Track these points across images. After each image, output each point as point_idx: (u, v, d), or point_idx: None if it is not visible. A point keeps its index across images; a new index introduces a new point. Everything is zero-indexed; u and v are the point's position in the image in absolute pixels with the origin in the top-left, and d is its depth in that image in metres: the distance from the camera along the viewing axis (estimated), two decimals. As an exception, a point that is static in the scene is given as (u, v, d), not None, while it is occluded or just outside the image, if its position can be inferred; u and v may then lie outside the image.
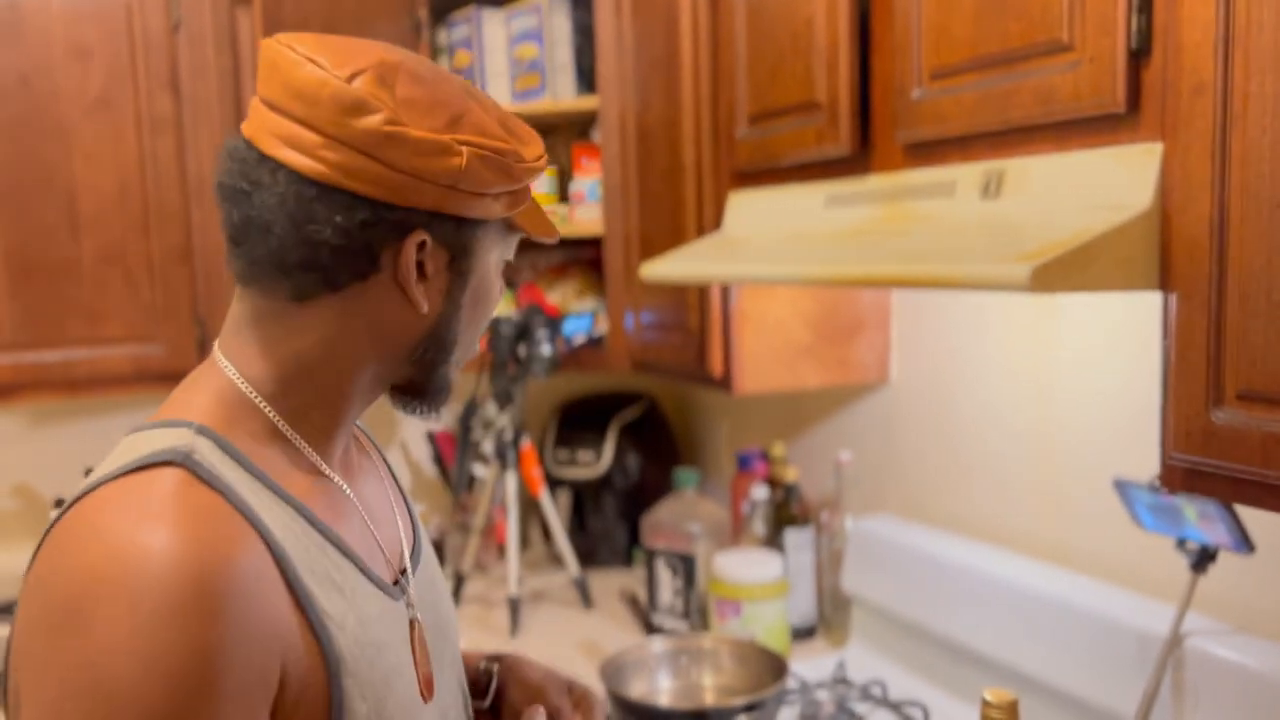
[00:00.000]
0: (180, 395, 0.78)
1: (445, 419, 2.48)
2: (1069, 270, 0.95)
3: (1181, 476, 0.96)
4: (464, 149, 0.73)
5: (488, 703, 0.99)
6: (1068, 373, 1.47)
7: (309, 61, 0.72)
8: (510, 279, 2.30)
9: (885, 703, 1.57)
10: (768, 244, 1.45)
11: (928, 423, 1.74)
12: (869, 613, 1.77)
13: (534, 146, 0.80)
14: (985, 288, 0.99)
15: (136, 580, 0.63)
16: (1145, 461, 1.36)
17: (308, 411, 0.79)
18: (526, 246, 2.33)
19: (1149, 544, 1.36)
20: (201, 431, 0.73)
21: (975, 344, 1.64)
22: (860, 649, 1.77)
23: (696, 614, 1.85)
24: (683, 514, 1.90)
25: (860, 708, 1.56)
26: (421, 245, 0.76)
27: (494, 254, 0.82)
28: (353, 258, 0.74)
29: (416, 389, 0.83)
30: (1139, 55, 0.97)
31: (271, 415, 0.77)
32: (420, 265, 0.76)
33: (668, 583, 1.86)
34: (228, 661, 0.65)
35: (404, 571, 0.86)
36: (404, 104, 0.73)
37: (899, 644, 1.71)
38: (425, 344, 0.80)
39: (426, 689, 0.83)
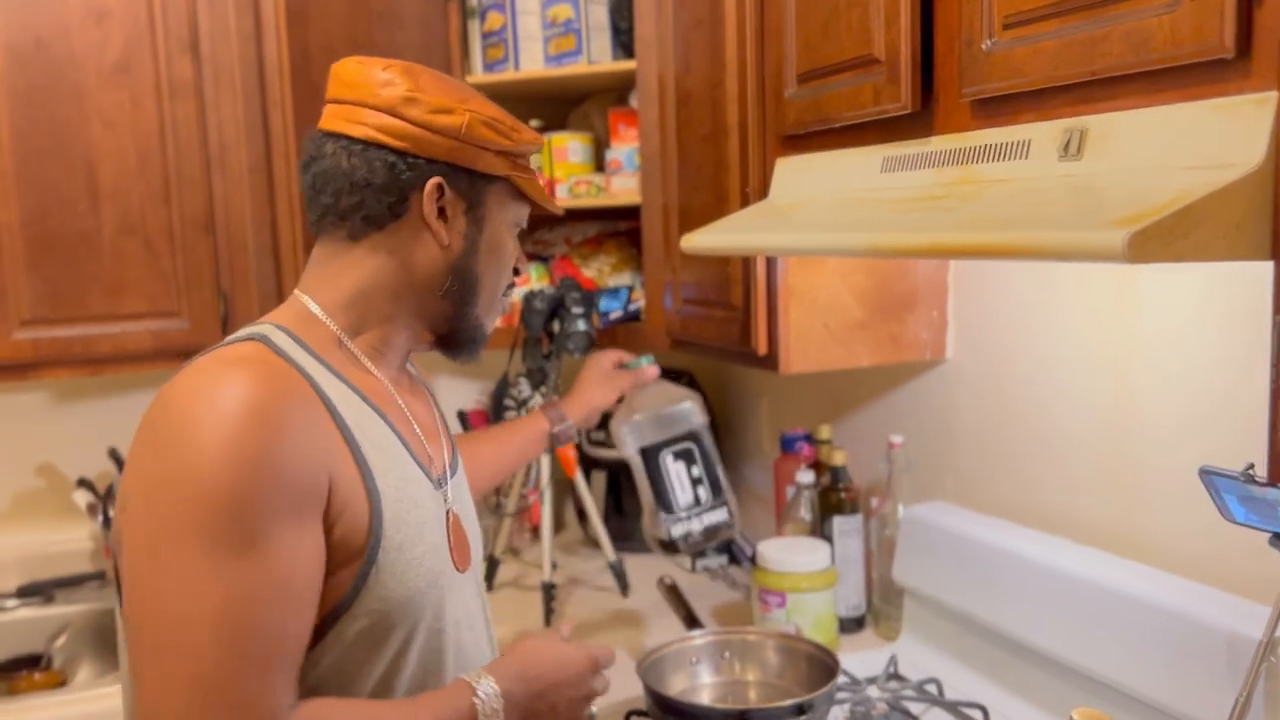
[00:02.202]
0: (262, 319, 1.01)
1: (477, 396, 2.40)
2: (1169, 237, 0.84)
3: (1295, 469, 0.85)
4: (466, 112, 1.00)
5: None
6: (1146, 351, 1.36)
7: (356, 63, 1.01)
8: (544, 254, 2.21)
9: (941, 702, 1.47)
10: (819, 212, 1.34)
11: (987, 404, 1.64)
12: (922, 605, 1.67)
13: (529, 132, 1.06)
14: (1074, 257, 0.88)
15: (220, 403, 0.85)
16: (1231, 447, 1.25)
17: (363, 329, 1.03)
18: (560, 220, 2.24)
19: (1236, 539, 1.24)
20: (278, 328, 0.97)
21: (1041, 320, 1.52)
22: (913, 643, 1.67)
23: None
24: (657, 399, 1.66)
25: (915, 707, 1.46)
26: (441, 192, 1.01)
27: (506, 213, 1.06)
28: (389, 198, 1.00)
29: (454, 331, 1.07)
30: (1252, -8, 0.86)
31: (334, 328, 1.01)
32: (442, 210, 1.01)
33: (681, 478, 1.62)
34: (285, 464, 0.86)
35: (442, 478, 1.08)
36: (422, 85, 1.00)
37: (954, 639, 1.61)
38: (450, 277, 1.03)
39: (461, 561, 1.06)
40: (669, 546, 1.58)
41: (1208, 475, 1.15)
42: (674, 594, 1.66)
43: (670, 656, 1.47)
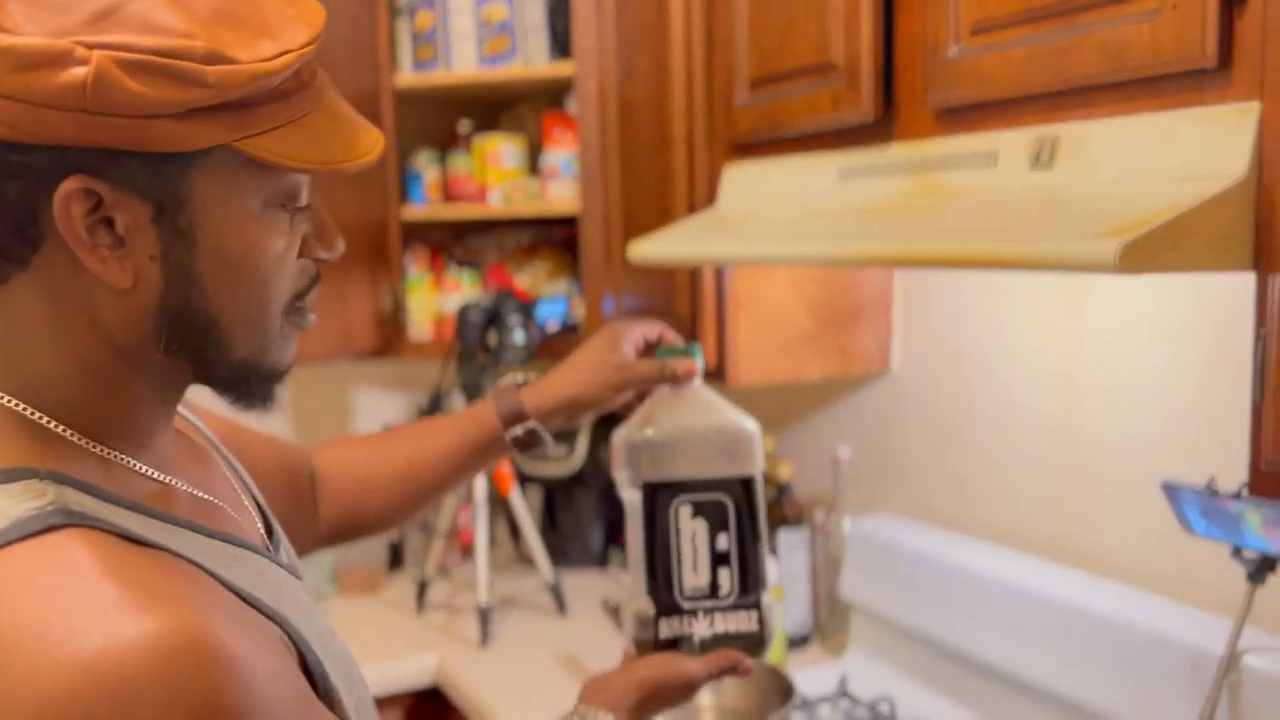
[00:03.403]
0: None
1: (405, 410, 2.31)
2: (1159, 248, 0.82)
3: (1277, 482, 0.84)
4: (94, 54, 0.54)
5: None
6: (1097, 363, 1.36)
7: None
8: (475, 261, 2.14)
9: (895, 720, 1.45)
10: (772, 221, 1.31)
11: (934, 416, 1.62)
12: (869, 620, 1.65)
13: (266, 43, 0.59)
14: (1061, 268, 0.86)
15: (136, 682, 0.50)
16: (1186, 459, 1.25)
17: (100, 420, 0.63)
18: (492, 227, 2.17)
19: (1196, 552, 1.25)
20: (46, 475, 0.58)
21: (989, 332, 1.52)
22: (860, 659, 1.65)
23: (768, 589, 1.04)
24: (692, 414, 1.03)
25: (868, 726, 1.44)
26: (91, 201, 0.57)
27: (241, 201, 0.62)
28: (7, 220, 0.57)
29: (222, 386, 0.67)
30: (1233, 1, 0.85)
31: (69, 435, 0.62)
32: (109, 223, 0.58)
33: (697, 547, 1.01)
34: (271, 688, 0.55)
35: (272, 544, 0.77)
36: (19, 3, 0.54)
37: (904, 655, 1.59)
38: (168, 327, 0.62)
39: None
40: (651, 642, 1.00)
41: (1169, 489, 1.15)
42: (618, 617, 1.60)
43: (622, 682, 1.40)
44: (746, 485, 1.01)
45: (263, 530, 0.77)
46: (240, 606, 0.59)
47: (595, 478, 2.17)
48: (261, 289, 0.64)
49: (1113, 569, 1.35)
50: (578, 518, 2.21)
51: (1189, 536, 1.16)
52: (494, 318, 1.80)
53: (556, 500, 2.21)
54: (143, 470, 0.65)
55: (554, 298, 1.94)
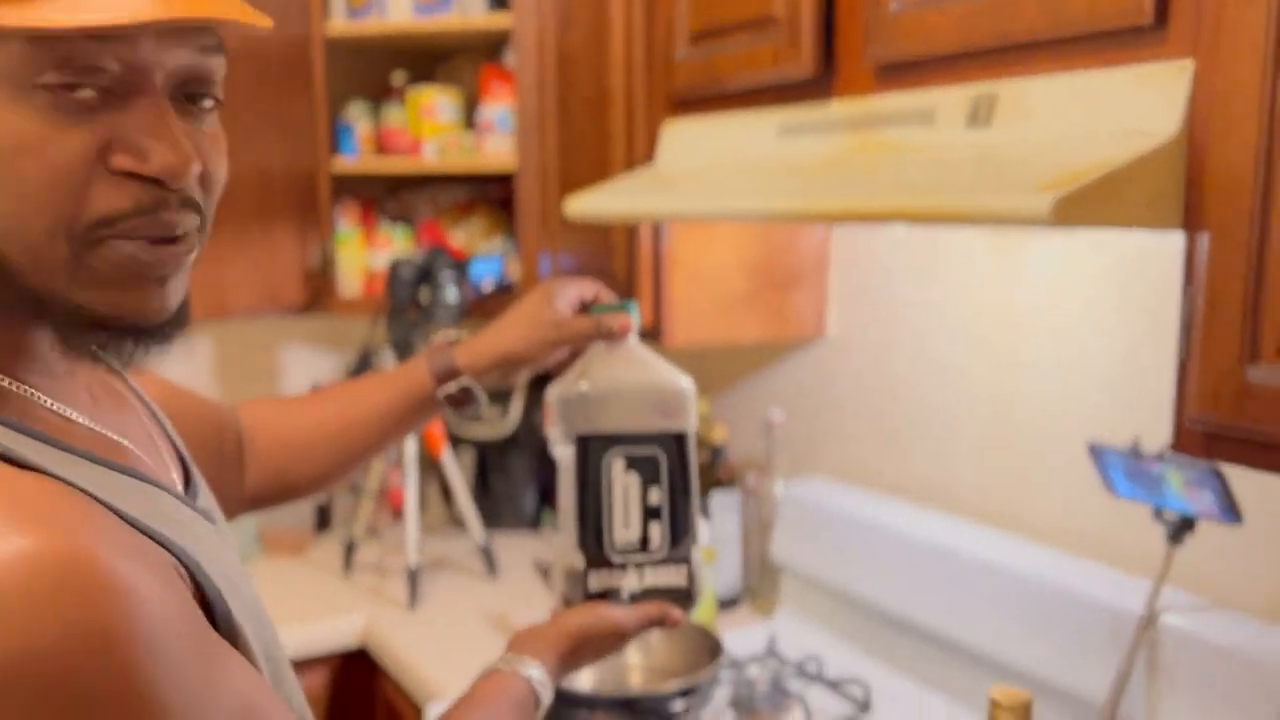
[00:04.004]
0: None
1: (334, 369, 2.26)
2: (1092, 203, 0.82)
3: (1202, 441, 0.85)
4: None
5: None
6: (1029, 327, 1.37)
7: None
8: (408, 217, 2.09)
9: (823, 680, 1.45)
10: (711, 178, 1.29)
11: (867, 379, 1.63)
12: (800, 582, 1.66)
13: None
14: (995, 222, 0.85)
15: (6, 598, 0.47)
16: (1114, 423, 1.26)
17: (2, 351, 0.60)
18: (427, 182, 2.12)
19: (1116, 515, 1.27)
20: None
21: (922, 295, 1.52)
22: (790, 621, 1.65)
23: (697, 544, 1.02)
24: (627, 369, 1.01)
25: (796, 685, 1.44)
26: None
27: None
28: None
29: (58, 325, 0.59)
30: (1172, -43, 0.85)
31: None
32: None
33: (628, 500, 0.99)
34: (157, 611, 0.51)
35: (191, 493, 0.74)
36: None
37: (833, 616, 1.60)
38: None
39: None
40: (580, 596, 0.98)
41: (1095, 450, 1.16)
42: (549, 575, 1.59)
43: (550, 641, 1.39)
44: (679, 441, 1.00)
45: (181, 481, 0.74)
46: (130, 533, 0.55)
47: (529, 440, 2.15)
48: (17, 194, 0.53)
49: (1040, 531, 1.37)
50: (511, 480, 2.18)
51: (1113, 498, 1.18)
52: (426, 275, 1.76)
53: (489, 462, 2.18)
54: (45, 402, 0.61)
55: (489, 256, 1.91)
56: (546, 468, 2.18)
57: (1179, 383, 0.87)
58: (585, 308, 1.04)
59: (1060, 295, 1.33)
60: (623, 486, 0.99)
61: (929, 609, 1.40)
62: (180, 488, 0.73)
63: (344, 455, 1.04)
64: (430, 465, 2.18)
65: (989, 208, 0.85)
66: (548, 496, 2.18)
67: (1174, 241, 1.19)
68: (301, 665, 1.71)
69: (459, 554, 2.04)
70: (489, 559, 1.91)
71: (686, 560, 1.00)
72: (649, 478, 0.99)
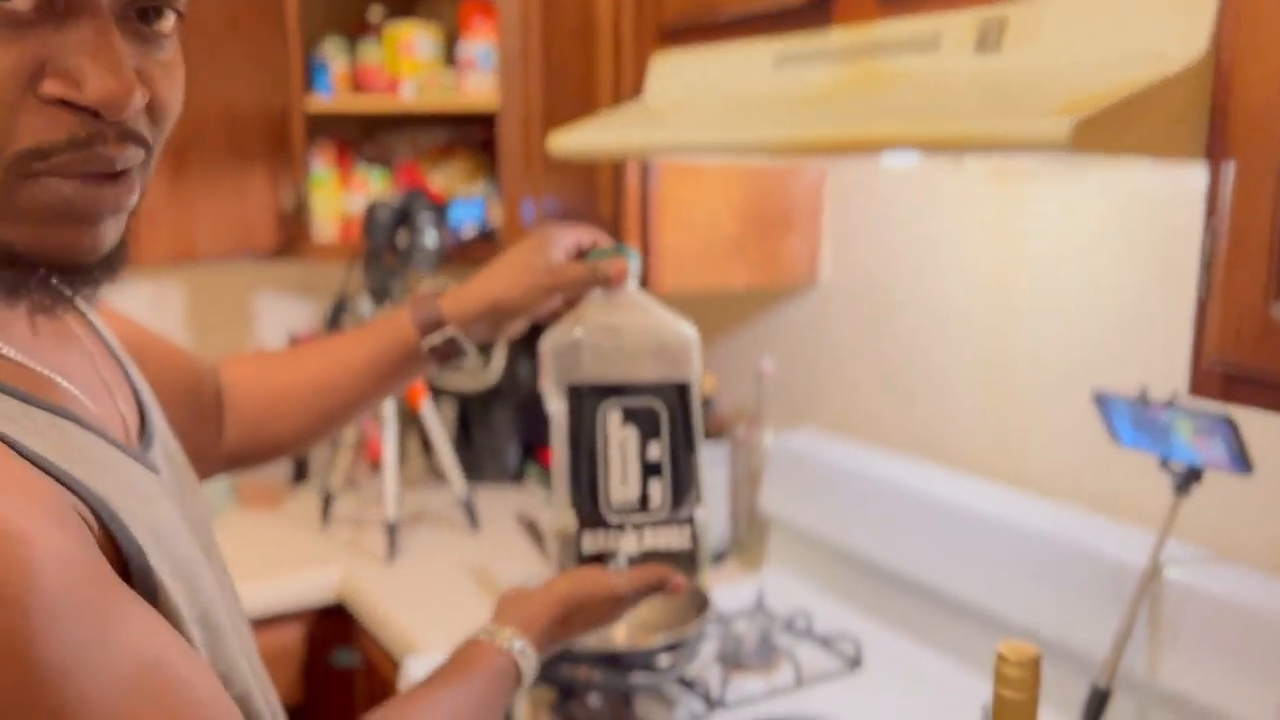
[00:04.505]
0: None
1: (310, 317, 2.20)
2: (1113, 127, 0.76)
3: (1220, 384, 0.81)
4: None
5: None
6: (1032, 274, 1.32)
7: None
8: (386, 159, 2.02)
9: (812, 635, 1.42)
10: (702, 111, 1.22)
11: (862, 328, 1.58)
12: (789, 536, 1.62)
13: None
14: (1007, 148, 0.80)
15: None
16: (1117, 373, 1.22)
17: None
18: (405, 123, 2.05)
19: (1120, 466, 1.22)
20: None
21: (920, 242, 1.47)
22: (779, 575, 1.62)
23: (701, 503, 0.94)
24: (624, 316, 0.94)
25: (785, 640, 1.41)
26: None
27: None
28: None
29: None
30: None
31: None
32: None
33: (626, 455, 0.91)
34: (46, 549, 0.45)
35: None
36: None
37: (823, 571, 1.56)
38: None
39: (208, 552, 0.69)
40: (574, 559, 0.91)
41: (1101, 398, 1.11)
42: (534, 530, 1.55)
43: (532, 595, 1.35)
44: (681, 391, 0.92)
45: (136, 428, 0.69)
46: (26, 470, 0.49)
47: (512, 392, 2.10)
48: None
49: (1040, 483, 1.33)
50: (493, 433, 2.13)
51: (1116, 450, 1.14)
52: (404, 218, 1.69)
53: (471, 415, 2.13)
54: None
55: (469, 199, 1.84)
56: (530, 420, 2.13)
57: (1197, 323, 0.82)
58: (581, 255, 0.97)
59: (1064, 240, 1.27)
60: (620, 441, 0.91)
61: (923, 563, 1.36)
62: (135, 435, 0.67)
63: (326, 412, 0.98)
64: (410, 417, 2.12)
65: (1002, 133, 0.79)
66: (532, 450, 2.13)
67: (1183, 182, 1.14)
68: (277, 620, 1.66)
69: (439, 507, 1.99)
70: (470, 512, 1.86)
71: (690, 521, 0.92)
72: (648, 431, 0.91)
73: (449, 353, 0.96)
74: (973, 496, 1.32)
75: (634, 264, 0.94)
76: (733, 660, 1.33)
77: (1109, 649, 1.07)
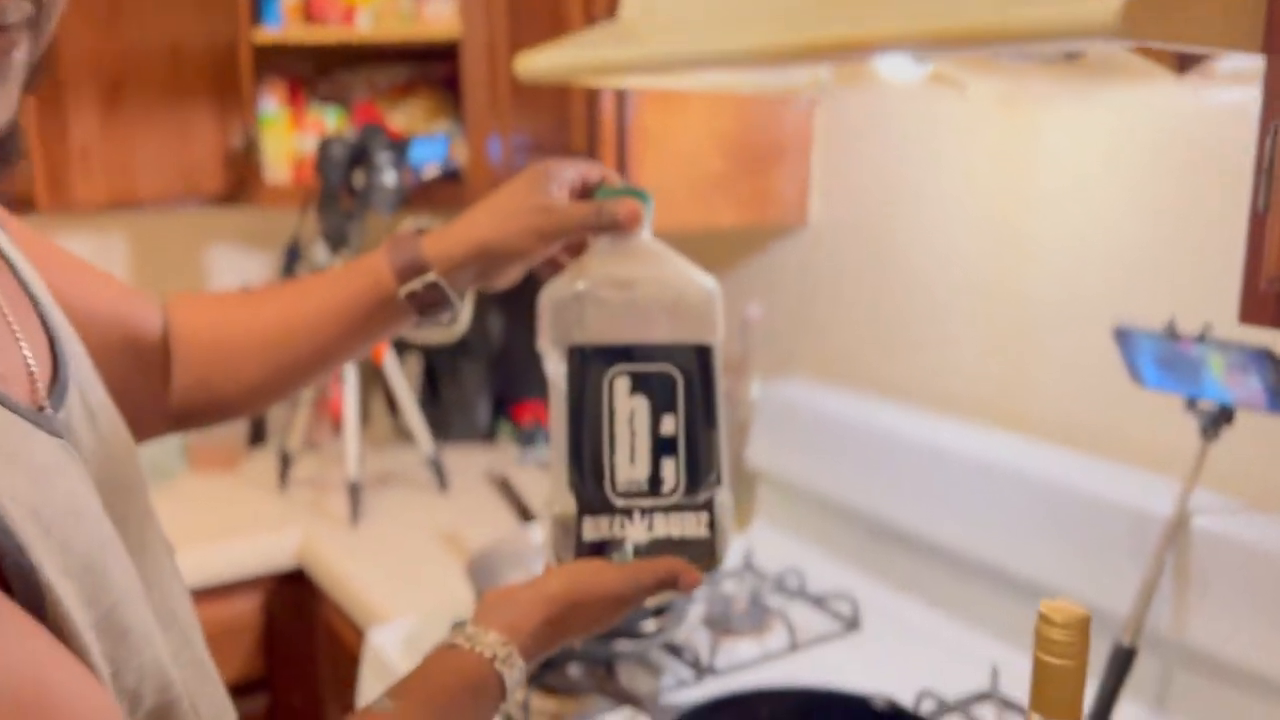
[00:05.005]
0: None
1: (264, 269, 2.07)
2: (1165, 8, 0.66)
3: (1277, 307, 0.71)
4: None
5: None
6: (1042, 209, 1.22)
7: None
8: (342, 98, 1.89)
9: (805, 594, 1.33)
10: (684, 24, 1.11)
11: (854, 270, 1.48)
12: (778, 491, 1.53)
13: None
14: (1044, 38, 0.69)
15: None
16: (1140, 310, 1.12)
17: None
18: (362, 60, 1.91)
19: (1137, 411, 1.13)
20: None
21: (920, 175, 1.36)
22: (768, 532, 1.53)
23: (725, 485, 0.81)
24: (635, 267, 0.80)
25: (776, 600, 1.32)
26: None
27: None
28: None
29: None
30: None
31: None
32: None
33: (637, 428, 0.78)
34: None
35: (43, 409, 0.56)
36: None
37: (815, 526, 1.47)
38: None
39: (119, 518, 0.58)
40: (573, 549, 0.77)
41: (1123, 334, 1.02)
42: (506, 488, 1.45)
43: (505, 557, 1.26)
44: (702, 356, 0.78)
45: (46, 382, 0.57)
46: None
47: (482, 346, 1.99)
48: None
49: (1050, 430, 1.24)
50: (463, 390, 2.03)
51: (1135, 393, 1.05)
52: (360, 155, 1.57)
53: (438, 370, 2.02)
54: None
55: (431, 136, 1.72)
56: (502, 375, 2.02)
57: (1252, 239, 0.72)
58: (586, 193, 0.84)
59: (1077, 168, 1.18)
60: (628, 413, 0.78)
61: (924, 517, 1.27)
62: (44, 390, 0.56)
63: (288, 365, 0.85)
64: (373, 374, 2.01)
65: (1037, 21, 0.69)
66: (504, 406, 2.03)
67: (1206, 99, 1.05)
68: (232, 588, 1.56)
69: (406, 467, 1.88)
70: (439, 471, 1.76)
71: (708, 506, 0.78)
72: (662, 403, 0.78)
73: (431, 302, 0.82)
74: (978, 444, 1.23)
75: (648, 207, 0.81)
76: (722, 624, 1.24)
77: (1132, 605, 0.99)
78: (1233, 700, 0.98)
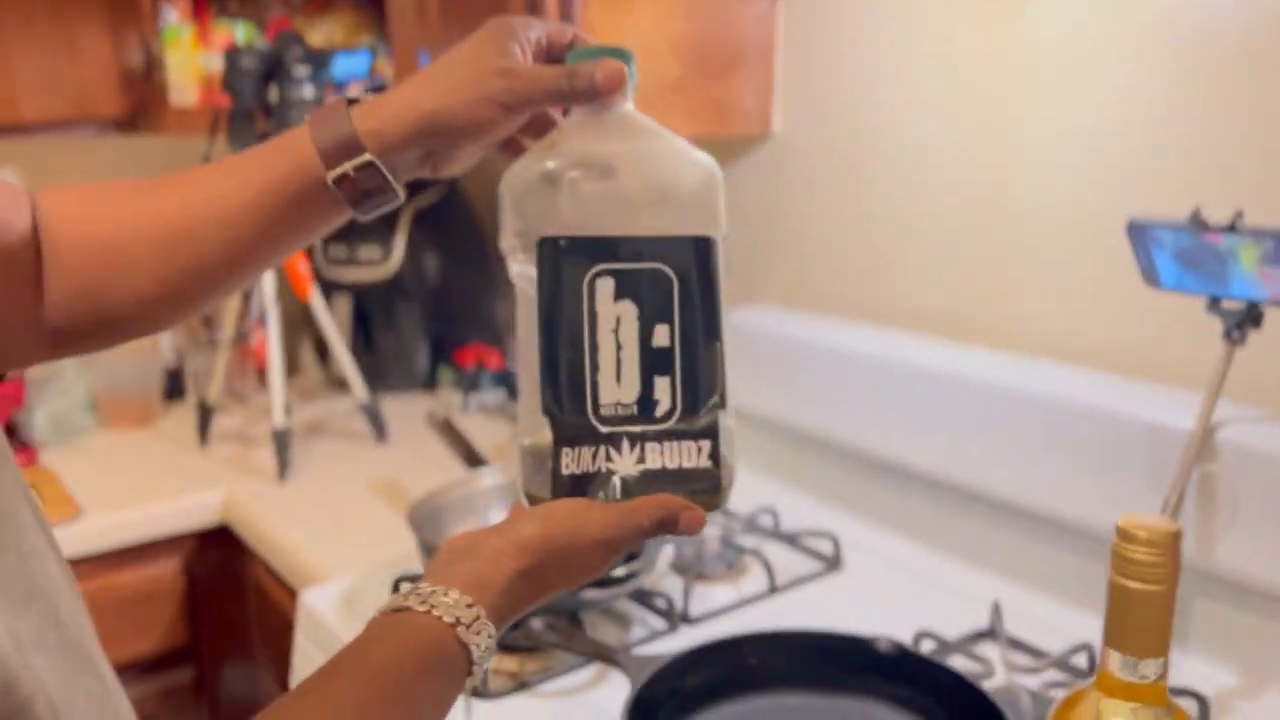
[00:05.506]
0: None
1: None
2: None
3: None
4: None
5: None
6: (1037, 95, 1.11)
7: None
8: (252, 15, 1.71)
9: (780, 534, 1.23)
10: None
11: (824, 184, 1.36)
12: (745, 425, 1.41)
13: None
14: None
15: None
16: (1149, 208, 1.03)
17: None
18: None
19: (1148, 317, 1.04)
20: None
21: (894, 74, 1.25)
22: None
23: (727, 409, 0.64)
24: (618, 142, 0.65)
25: (750, 541, 1.21)
26: None
27: None
28: None
29: None
30: None
31: None
32: None
33: (624, 338, 0.63)
34: None
35: None
36: None
37: (787, 462, 1.37)
38: None
39: None
40: (548, 485, 0.62)
41: (1138, 228, 0.92)
42: (449, 430, 1.31)
43: (452, 504, 1.13)
44: (701, 251, 0.64)
45: None
46: None
47: (417, 284, 1.84)
48: None
49: (1044, 346, 1.14)
50: (399, 334, 1.88)
51: (1141, 298, 0.95)
52: (275, 68, 1.41)
53: (372, 314, 1.87)
54: None
55: (353, 51, 1.55)
56: (441, 317, 1.88)
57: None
58: (555, 57, 0.68)
59: (1077, 50, 1.07)
60: (613, 320, 0.65)
61: (907, 445, 1.17)
62: None
63: (190, 268, 0.69)
64: (304, 321, 1.86)
65: None
66: (444, 351, 1.88)
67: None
68: (146, 549, 1.41)
69: (339, 417, 1.74)
70: (375, 419, 1.62)
71: (710, 433, 0.64)
72: (654, 308, 0.64)
73: (367, 190, 0.67)
74: (967, 363, 1.13)
75: (632, 70, 0.66)
76: (693, 568, 1.13)
77: (1152, 528, 0.89)
78: (1266, 632, 0.90)
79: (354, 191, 0.66)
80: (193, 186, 0.70)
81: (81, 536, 1.35)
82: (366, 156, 0.65)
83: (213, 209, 0.68)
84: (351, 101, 0.67)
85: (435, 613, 0.54)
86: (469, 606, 0.54)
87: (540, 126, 0.69)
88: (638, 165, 0.64)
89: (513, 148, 0.70)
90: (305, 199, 0.67)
